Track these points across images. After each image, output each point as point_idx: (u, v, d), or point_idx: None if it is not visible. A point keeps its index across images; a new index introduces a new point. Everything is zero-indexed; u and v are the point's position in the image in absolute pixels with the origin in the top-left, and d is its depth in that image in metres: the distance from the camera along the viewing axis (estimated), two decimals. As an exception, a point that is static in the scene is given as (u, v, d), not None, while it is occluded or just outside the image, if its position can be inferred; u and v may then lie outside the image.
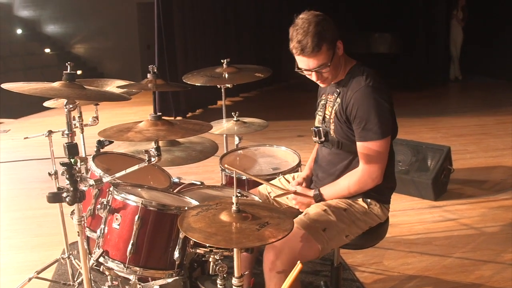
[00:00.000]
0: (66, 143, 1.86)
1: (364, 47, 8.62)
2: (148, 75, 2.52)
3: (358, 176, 2.02)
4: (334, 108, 2.06)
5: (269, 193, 2.32)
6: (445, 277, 2.82)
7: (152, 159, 1.79)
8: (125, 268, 1.87)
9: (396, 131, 2.12)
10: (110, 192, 1.96)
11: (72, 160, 1.79)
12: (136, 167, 1.83)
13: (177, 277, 1.89)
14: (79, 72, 7.42)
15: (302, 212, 2.08)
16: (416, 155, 4.00)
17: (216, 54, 3.12)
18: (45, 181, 3.29)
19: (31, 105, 6.96)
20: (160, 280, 1.89)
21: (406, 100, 7.31)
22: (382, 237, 2.21)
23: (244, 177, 2.51)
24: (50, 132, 2.55)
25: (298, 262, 1.54)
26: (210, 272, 1.91)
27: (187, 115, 7.21)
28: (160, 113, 1.95)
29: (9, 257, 3.20)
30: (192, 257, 2.10)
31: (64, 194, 1.76)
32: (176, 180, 2.53)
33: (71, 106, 1.88)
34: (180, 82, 3.05)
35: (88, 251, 2.08)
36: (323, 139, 2.13)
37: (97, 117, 2.62)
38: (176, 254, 1.87)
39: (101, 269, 1.93)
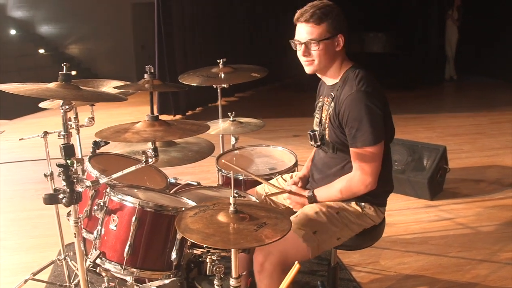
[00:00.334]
0: (62, 144, 1.86)
1: (358, 47, 8.64)
2: (145, 76, 2.49)
3: (350, 182, 2.00)
4: (329, 112, 2.04)
5: (266, 193, 2.30)
6: (441, 276, 2.82)
7: (150, 160, 1.79)
8: (122, 270, 1.86)
9: (393, 134, 2.10)
10: (107, 193, 1.95)
11: (69, 161, 1.79)
12: (133, 168, 1.82)
13: (174, 278, 1.88)
14: (73, 72, 7.39)
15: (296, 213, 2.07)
16: (412, 154, 4.01)
17: (216, 54, 3.10)
18: (39, 182, 3.27)
19: (25, 106, 6.91)
20: (157, 281, 1.89)
21: (401, 99, 7.34)
22: (378, 238, 2.21)
23: (241, 177, 2.51)
24: (46, 133, 2.54)
25: (296, 262, 1.53)
26: (207, 272, 1.91)
27: (187, 113, 7.19)
28: (157, 114, 1.94)
29: (5, 259, 3.18)
30: (189, 258, 2.10)
31: (61, 196, 1.75)
32: (173, 180, 2.51)
33: (67, 107, 1.87)
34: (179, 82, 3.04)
35: (84, 253, 2.07)
36: (319, 143, 2.11)
37: (93, 118, 2.61)
38: (174, 255, 1.87)
39: (97, 270, 1.93)
